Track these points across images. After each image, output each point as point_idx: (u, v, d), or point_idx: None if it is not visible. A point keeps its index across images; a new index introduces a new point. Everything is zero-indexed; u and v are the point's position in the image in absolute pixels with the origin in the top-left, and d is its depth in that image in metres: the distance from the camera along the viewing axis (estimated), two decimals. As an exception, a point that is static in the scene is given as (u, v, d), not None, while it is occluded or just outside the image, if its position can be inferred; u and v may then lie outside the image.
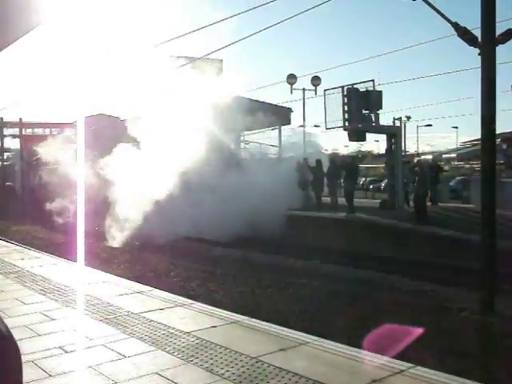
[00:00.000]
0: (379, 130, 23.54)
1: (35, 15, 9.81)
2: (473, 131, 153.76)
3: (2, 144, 41.11)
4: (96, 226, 23.29)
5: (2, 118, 40.06)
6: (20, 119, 40.43)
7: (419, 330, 6.88)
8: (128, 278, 10.30)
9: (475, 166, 36.39)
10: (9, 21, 9.56)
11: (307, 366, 4.90)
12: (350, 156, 41.84)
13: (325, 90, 23.86)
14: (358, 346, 7.18)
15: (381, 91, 22.25)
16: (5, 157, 42.21)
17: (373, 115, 21.84)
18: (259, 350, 5.36)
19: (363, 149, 77.50)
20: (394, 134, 23.12)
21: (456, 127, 71.73)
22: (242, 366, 4.93)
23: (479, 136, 9.62)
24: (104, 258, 16.72)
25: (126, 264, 15.96)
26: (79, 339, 5.86)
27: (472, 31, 9.38)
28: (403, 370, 4.80)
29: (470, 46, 9.11)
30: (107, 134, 37.07)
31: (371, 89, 21.59)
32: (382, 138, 25.79)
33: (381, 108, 22.25)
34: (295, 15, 14.79)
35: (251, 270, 14.49)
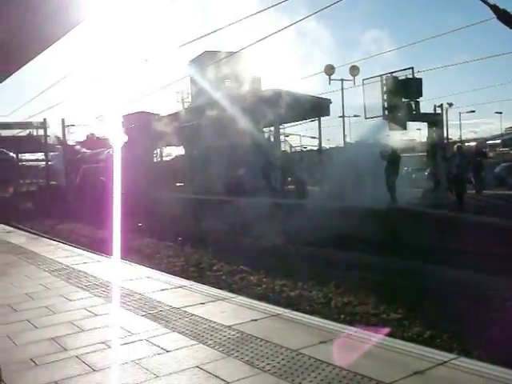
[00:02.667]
0: (420, 118, 23.19)
1: (76, 13, 9.97)
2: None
3: (46, 144, 41.89)
4: (139, 222, 23.65)
5: (45, 119, 40.83)
6: (62, 119, 41.16)
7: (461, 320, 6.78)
8: (170, 273, 10.42)
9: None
10: (52, 18, 9.74)
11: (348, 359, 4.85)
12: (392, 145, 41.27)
13: (363, 80, 23.63)
14: (401, 336, 7.14)
15: (420, 78, 21.89)
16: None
17: (413, 103, 21.51)
18: (300, 342, 5.33)
19: (405, 137, 76.47)
20: (435, 122, 22.73)
21: (500, 112, 70.05)
22: (283, 359, 4.92)
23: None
24: (147, 253, 16.98)
25: (168, 259, 16.18)
26: (122, 334, 5.92)
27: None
28: (446, 361, 4.71)
29: (510, 28, 8.88)
30: (148, 130, 37.57)
31: (410, 76, 21.26)
32: (424, 126, 25.30)
33: (421, 96, 21.90)
34: (332, 4, 14.61)
35: (293, 263, 14.48)
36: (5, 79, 17.72)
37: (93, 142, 43.99)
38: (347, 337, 5.54)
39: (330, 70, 28.07)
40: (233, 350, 5.23)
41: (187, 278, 9.66)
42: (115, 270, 9.96)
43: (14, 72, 16.92)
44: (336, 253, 15.82)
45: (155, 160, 47.30)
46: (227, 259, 15.25)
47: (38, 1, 10.03)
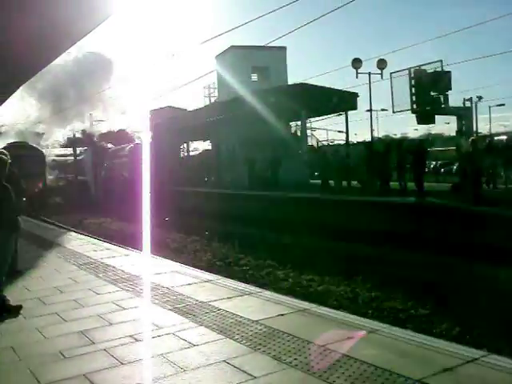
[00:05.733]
0: (448, 111, 22.87)
1: (105, 8, 10.05)
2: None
3: (74, 139, 42.35)
4: (166, 217, 23.76)
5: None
6: (90, 114, 41.50)
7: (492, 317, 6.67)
8: (197, 268, 10.43)
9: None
10: (82, 12, 9.84)
11: (376, 354, 4.81)
12: (419, 139, 40.92)
13: (391, 73, 23.38)
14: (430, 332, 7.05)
15: (449, 72, 21.59)
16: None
17: (441, 97, 21.23)
18: (327, 338, 5.29)
19: (433, 131, 75.74)
20: (464, 116, 22.42)
21: (531, 105, 68.75)
22: (310, 355, 4.89)
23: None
24: (174, 247, 17.04)
25: (195, 253, 16.21)
26: (149, 328, 5.95)
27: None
28: (476, 359, 4.64)
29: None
30: (175, 124, 37.76)
31: (439, 70, 20.99)
32: (453, 119, 24.95)
33: (450, 89, 21.59)
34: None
35: (321, 258, 14.41)
36: (38, 71, 18.00)
37: (118, 136, 44.29)
38: (374, 332, 5.50)
39: (357, 63, 27.82)
40: (260, 344, 5.22)
41: (214, 273, 9.67)
42: (143, 264, 10.01)
43: (45, 66, 17.22)
44: (363, 248, 15.70)
45: (182, 155, 47.54)
46: (254, 253, 15.24)
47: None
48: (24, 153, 26.72)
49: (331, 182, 26.34)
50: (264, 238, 17.70)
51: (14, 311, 6.96)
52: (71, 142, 43.11)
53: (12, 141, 35.08)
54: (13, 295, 7.44)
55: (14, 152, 8.18)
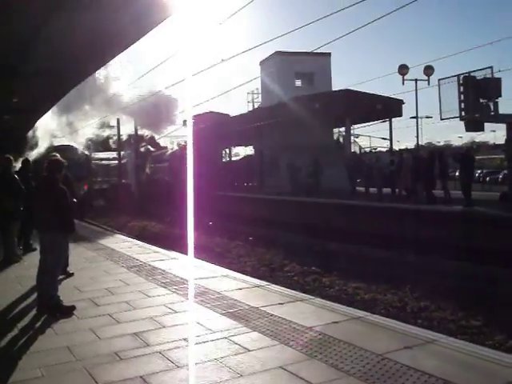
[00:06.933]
0: (498, 119, 22.34)
1: (164, 9, 10.16)
2: None
3: (119, 143, 42.89)
4: (209, 221, 23.87)
5: (118, 119, 41.72)
6: (134, 119, 41.89)
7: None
8: (242, 272, 10.42)
9: None
10: (141, 13, 9.99)
11: (436, 365, 4.70)
12: (466, 147, 40.19)
13: (439, 80, 22.98)
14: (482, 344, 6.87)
15: (500, 78, 21.10)
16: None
17: (491, 104, 20.77)
18: (384, 346, 5.22)
19: (477, 139, 74.56)
20: (514, 123, 21.83)
21: None
22: (368, 363, 4.82)
23: None
24: (218, 252, 17.07)
25: (239, 258, 16.21)
26: (203, 332, 5.95)
27: None
28: (541, 373, 4.51)
29: None
30: (217, 130, 37.98)
31: (489, 76, 20.55)
32: (500, 127, 24.45)
33: (500, 96, 21.08)
34: (405, 5, 14.21)
35: (366, 265, 14.27)
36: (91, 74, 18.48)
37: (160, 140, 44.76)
38: (431, 343, 5.38)
39: (403, 69, 27.54)
40: (316, 351, 5.16)
41: (259, 278, 9.63)
42: (190, 267, 10.04)
43: (98, 69, 17.63)
44: (410, 256, 15.48)
45: (224, 160, 47.76)
46: (298, 259, 15.17)
47: (123, 1, 10.32)
48: (70, 156, 27.17)
49: (374, 189, 26.08)
50: (309, 245, 17.62)
51: (68, 312, 7.06)
52: (117, 146, 43.68)
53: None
54: (65, 296, 7.54)
55: (61, 155, 8.30)
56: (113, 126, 42.91)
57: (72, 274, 9.62)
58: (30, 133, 32.74)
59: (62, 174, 7.61)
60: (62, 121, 38.79)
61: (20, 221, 12.01)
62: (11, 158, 12.17)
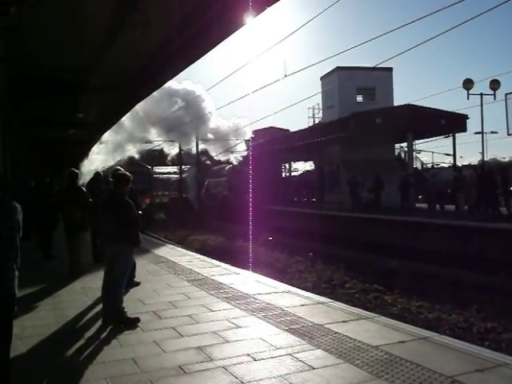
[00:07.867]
0: None
1: (233, 22, 10.36)
2: None
3: (181, 158, 43.58)
4: (269, 236, 23.87)
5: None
6: (196, 135, 42.51)
7: None
8: (304, 289, 10.34)
9: None
10: (211, 24, 10.22)
11: (510, 390, 4.53)
12: None
13: (506, 94, 22.50)
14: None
15: None
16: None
17: (563, 118, 20.17)
18: (453, 369, 5.05)
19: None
20: None
21: None
22: (437, 386, 4.68)
23: None
24: (279, 267, 17.05)
25: (300, 274, 16.14)
26: (266, 348, 5.91)
27: None
28: None
29: None
30: (277, 145, 38.14)
31: (559, 90, 19.99)
32: None
33: None
34: (470, 19, 13.90)
35: (428, 284, 13.98)
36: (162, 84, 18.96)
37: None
38: (503, 366, 5.19)
39: (468, 84, 26.96)
40: (382, 371, 5.04)
41: (320, 295, 9.53)
42: (252, 282, 10.03)
43: (165, 82, 18.10)
44: (472, 275, 15.08)
45: (283, 175, 47.84)
46: (359, 276, 14.99)
47: (192, 12, 10.55)
48: (134, 169, 27.80)
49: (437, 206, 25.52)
50: (370, 262, 17.39)
51: (132, 323, 7.15)
52: (178, 161, 44.51)
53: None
54: (129, 308, 7.64)
55: (126, 169, 8.51)
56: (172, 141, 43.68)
57: (139, 284, 9.80)
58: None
59: (128, 188, 7.76)
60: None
61: (90, 232, 12.41)
62: (77, 171, 12.54)
